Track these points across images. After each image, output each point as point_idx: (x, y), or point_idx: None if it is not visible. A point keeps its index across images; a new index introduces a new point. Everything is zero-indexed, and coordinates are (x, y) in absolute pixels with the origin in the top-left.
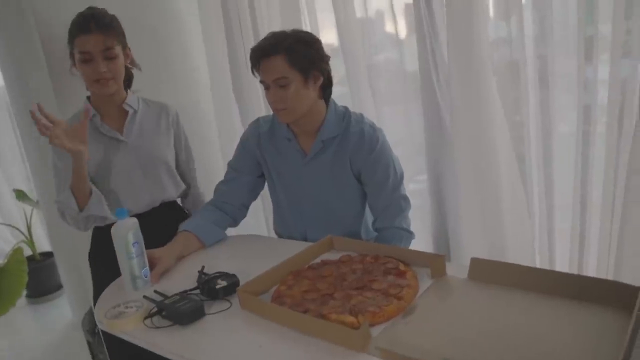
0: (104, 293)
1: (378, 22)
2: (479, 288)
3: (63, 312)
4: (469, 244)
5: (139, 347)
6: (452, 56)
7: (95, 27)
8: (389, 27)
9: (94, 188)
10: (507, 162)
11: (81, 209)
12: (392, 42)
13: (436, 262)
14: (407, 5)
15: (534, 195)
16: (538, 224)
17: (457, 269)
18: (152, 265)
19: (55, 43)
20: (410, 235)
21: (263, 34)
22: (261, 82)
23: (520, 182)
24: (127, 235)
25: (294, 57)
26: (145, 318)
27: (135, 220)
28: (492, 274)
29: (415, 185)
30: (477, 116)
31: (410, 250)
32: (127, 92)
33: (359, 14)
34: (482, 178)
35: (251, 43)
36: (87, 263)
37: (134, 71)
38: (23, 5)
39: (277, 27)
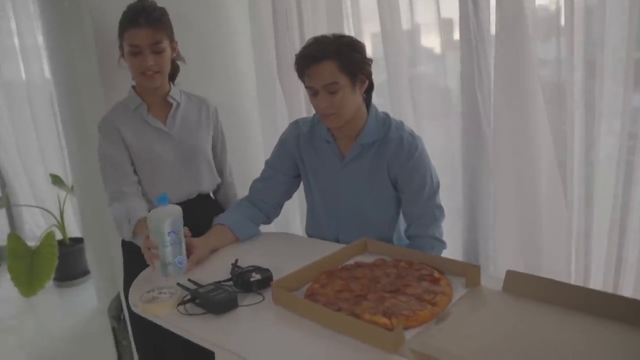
0: (138, 278)
1: (423, 34)
2: (513, 300)
3: (88, 298)
4: (503, 259)
5: (163, 337)
6: (499, 73)
7: (145, 21)
8: (433, 40)
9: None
10: (549, 183)
11: (135, 236)
12: (436, 56)
13: (471, 272)
14: (454, 20)
15: (574, 216)
16: (575, 245)
17: (491, 281)
18: (188, 254)
19: (107, 33)
20: (442, 244)
21: (308, 34)
22: (308, 87)
23: (561, 203)
24: (163, 222)
25: (343, 61)
26: (179, 304)
27: (178, 208)
28: (527, 287)
29: (449, 197)
30: (521, 134)
31: (446, 258)
32: (171, 84)
33: (405, 25)
34: (521, 196)
35: (298, 46)
36: (116, 250)
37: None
38: None
39: (321, 29)
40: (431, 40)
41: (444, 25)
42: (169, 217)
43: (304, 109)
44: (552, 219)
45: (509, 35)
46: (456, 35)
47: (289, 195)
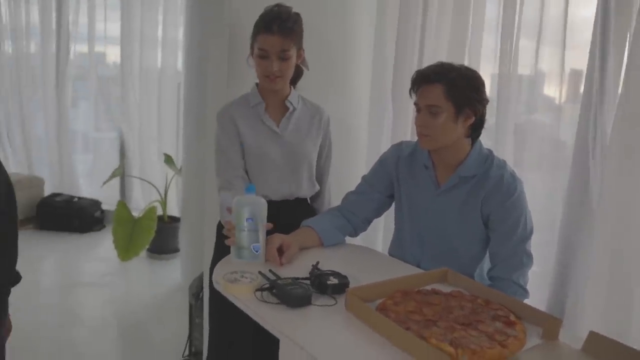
0: (225, 258)
1: (541, 81)
2: None
3: (174, 274)
4: (588, 321)
5: (236, 323)
6: (615, 135)
7: (277, 29)
8: (552, 89)
9: None
10: None
11: None
12: (550, 105)
13: (551, 324)
14: (576, 71)
15: None
16: None
17: (570, 338)
18: (283, 249)
19: (241, 32)
20: (525, 293)
21: (427, 62)
22: (415, 104)
23: None
24: (243, 208)
25: (452, 90)
26: (257, 290)
27: (262, 200)
28: (608, 352)
29: (543, 246)
30: (630, 199)
31: (526, 304)
32: (291, 88)
33: (525, 70)
34: (619, 263)
35: (414, 67)
36: (209, 233)
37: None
38: None
39: (441, 58)
40: (552, 90)
41: (570, 76)
42: (250, 205)
43: (409, 132)
44: None
45: (634, 97)
46: (581, 88)
47: (379, 213)
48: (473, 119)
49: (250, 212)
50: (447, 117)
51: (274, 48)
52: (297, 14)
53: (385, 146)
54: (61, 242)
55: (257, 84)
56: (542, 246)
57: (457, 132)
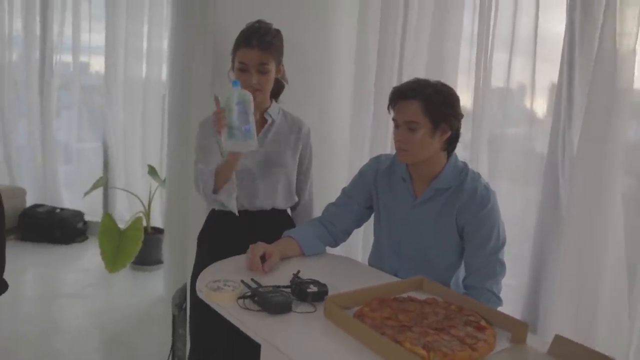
0: (207, 268)
1: (516, 95)
2: None
3: (156, 285)
4: (558, 329)
5: (216, 334)
6: (582, 147)
7: (257, 43)
8: (526, 102)
9: (232, 180)
10: (615, 264)
11: (215, 192)
12: (524, 118)
13: (519, 328)
14: (550, 84)
15: (638, 303)
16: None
17: (537, 342)
18: (266, 257)
19: (225, 45)
20: (498, 301)
21: (406, 77)
22: (393, 119)
23: (624, 288)
24: (232, 94)
25: (429, 106)
26: (239, 298)
27: (248, 93)
28: (573, 355)
29: (516, 264)
30: (595, 212)
31: (496, 310)
32: (272, 101)
33: (499, 83)
34: (585, 272)
35: (394, 83)
36: (191, 244)
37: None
38: (208, 10)
39: (420, 70)
40: (526, 102)
41: (544, 90)
42: (238, 92)
43: (389, 144)
44: (613, 302)
45: (598, 113)
46: (550, 100)
47: (358, 225)
48: (449, 133)
49: (238, 96)
50: (424, 132)
51: (253, 61)
52: (277, 30)
53: (368, 157)
54: (43, 253)
55: None
56: (518, 260)
57: (434, 146)
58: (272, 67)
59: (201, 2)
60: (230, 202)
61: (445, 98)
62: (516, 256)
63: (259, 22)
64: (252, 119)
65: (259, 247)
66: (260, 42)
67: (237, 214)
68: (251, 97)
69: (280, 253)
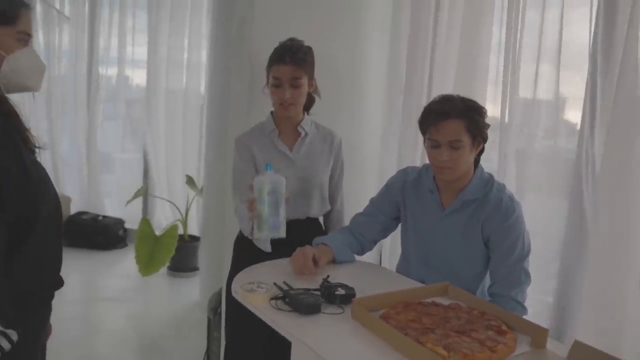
0: (243, 271)
1: (546, 105)
2: None
3: (192, 291)
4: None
5: (251, 336)
6: (607, 158)
7: (289, 59)
8: (555, 113)
9: None
10: None
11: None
12: (552, 130)
13: (539, 333)
14: (576, 97)
15: None
16: None
17: (557, 347)
18: (315, 258)
19: (260, 64)
20: (523, 310)
21: (435, 89)
22: (431, 140)
23: None
24: (264, 183)
25: (470, 123)
26: (272, 299)
27: (281, 177)
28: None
29: (541, 273)
30: (621, 224)
31: (517, 315)
32: (305, 114)
33: (526, 94)
34: (613, 285)
35: (423, 95)
36: (228, 250)
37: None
38: (244, 30)
39: (448, 86)
40: (555, 113)
41: (569, 101)
42: (270, 180)
43: (419, 156)
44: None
45: (622, 123)
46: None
47: (384, 235)
48: (482, 145)
49: (270, 186)
50: (466, 148)
51: (286, 76)
52: (309, 47)
53: (395, 168)
54: (86, 258)
55: (272, 113)
56: (544, 272)
57: (471, 159)
58: (304, 81)
59: (238, 19)
60: (265, 246)
61: (479, 113)
62: (542, 269)
63: (291, 40)
64: (282, 209)
65: (309, 251)
66: (292, 58)
67: (269, 251)
68: (284, 181)
69: (326, 257)
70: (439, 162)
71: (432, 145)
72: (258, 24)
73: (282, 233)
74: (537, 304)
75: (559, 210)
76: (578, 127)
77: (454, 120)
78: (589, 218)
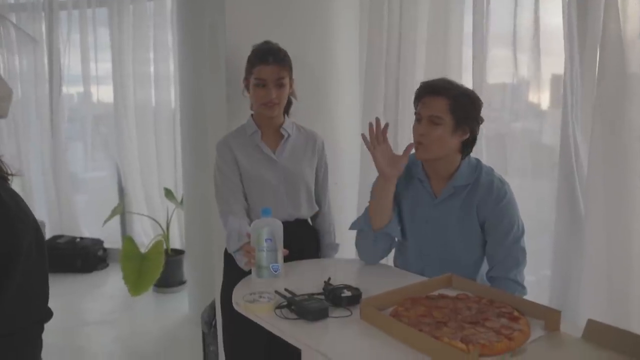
0: (241, 281)
1: (522, 89)
2: (591, 349)
3: (181, 306)
4: (590, 311)
5: (250, 346)
6: (596, 135)
7: (272, 59)
8: (531, 96)
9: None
10: None
11: (236, 250)
12: (534, 112)
13: (552, 316)
14: (554, 76)
15: None
16: None
17: (571, 328)
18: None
19: (235, 68)
20: (523, 290)
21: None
22: (416, 113)
23: None
24: (262, 230)
25: (456, 105)
26: (277, 308)
27: (279, 222)
28: (607, 338)
29: (534, 254)
30: (616, 200)
31: (527, 300)
32: (285, 116)
33: (504, 79)
34: (612, 260)
35: (390, 89)
36: (217, 260)
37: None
38: (217, 36)
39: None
40: (530, 96)
41: (544, 82)
42: (268, 226)
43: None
44: None
45: (609, 100)
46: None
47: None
48: (468, 135)
49: (268, 233)
50: (445, 129)
51: (272, 76)
52: (285, 50)
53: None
54: (67, 283)
55: (252, 116)
56: (537, 254)
57: (451, 145)
58: (287, 81)
59: (210, 26)
60: (245, 266)
61: (472, 101)
62: (535, 250)
63: (266, 42)
64: (280, 254)
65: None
66: (276, 58)
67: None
68: (281, 226)
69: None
70: (416, 135)
71: (416, 119)
72: (230, 29)
73: (281, 274)
74: (530, 284)
75: (544, 192)
76: (556, 107)
77: (440, 97)
78: (582, 197)
